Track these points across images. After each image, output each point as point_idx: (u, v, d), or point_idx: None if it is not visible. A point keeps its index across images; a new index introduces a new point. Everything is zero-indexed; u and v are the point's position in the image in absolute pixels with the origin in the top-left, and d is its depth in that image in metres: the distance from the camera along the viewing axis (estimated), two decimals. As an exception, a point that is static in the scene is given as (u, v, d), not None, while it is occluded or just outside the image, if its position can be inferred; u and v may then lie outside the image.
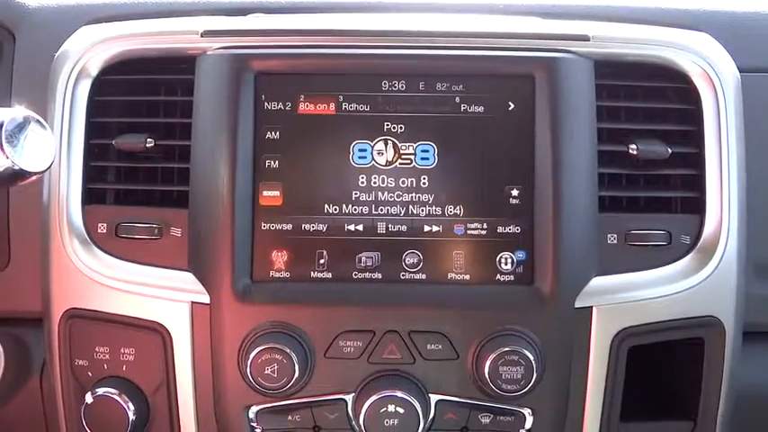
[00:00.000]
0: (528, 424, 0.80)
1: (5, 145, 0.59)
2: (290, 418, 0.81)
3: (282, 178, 0.81)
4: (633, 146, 0.83)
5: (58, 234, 0.84)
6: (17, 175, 0.61)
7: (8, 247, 0.94)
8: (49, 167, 0.64)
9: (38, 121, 0.63)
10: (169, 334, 0.82)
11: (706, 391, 0.83)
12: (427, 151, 0.82)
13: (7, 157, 0.59)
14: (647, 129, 0.85)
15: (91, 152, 0.85)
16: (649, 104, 0.85)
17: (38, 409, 0.94)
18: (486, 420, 0.81)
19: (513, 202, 0.81)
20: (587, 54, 0.82)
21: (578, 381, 0.81)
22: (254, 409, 0.81)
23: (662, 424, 0.85)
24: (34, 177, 0.63)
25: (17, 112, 0.61)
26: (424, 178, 0.81)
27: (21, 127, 0.61)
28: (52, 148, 0.64)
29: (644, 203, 0.85)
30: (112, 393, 0.81)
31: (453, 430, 0.81)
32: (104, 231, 0.84)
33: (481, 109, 0.81)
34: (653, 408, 0.87)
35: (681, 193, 0.84)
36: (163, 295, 0.81)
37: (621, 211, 0.84)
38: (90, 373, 0.83)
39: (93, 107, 0.85)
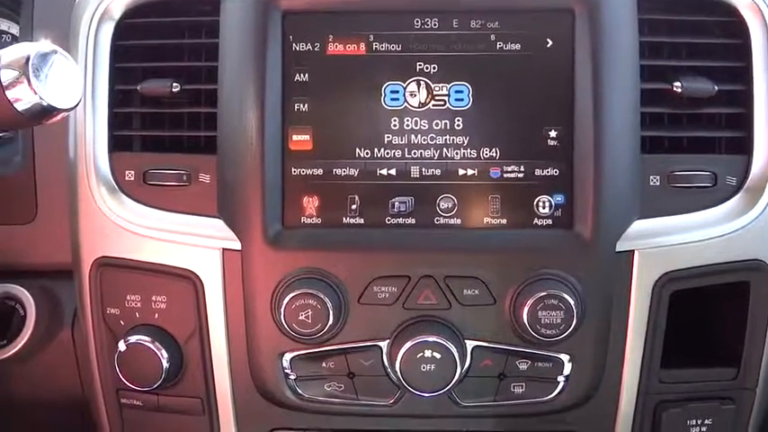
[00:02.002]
0: (566, 370, 0.79)
1: (33, 79, 0.57)
2: (324, 364, 0.80)
3: (312, 122, 0.79)
4: (677, 83, 0.79)
5: (86, 182, 0.83)
6: (45, 112, 0.59)
7: (35, 200, 0.94)
8: (78, 104, 0.62)
9: (64, 56, 0.60)
10: (200, 281, 0.81)
11: (751, 337, 0.81)
12: (461, 92, 0.79)
13: (35, 93, 0.57)
14: (692, 65, 0.81)
15: (116, 98, 0.83)
16: (694, 40, 0.81)
17: (70, 359, 0.94)
18: (523, 367, 0.79)
19: (552, 143, 0.78)
20: None
21: (619, 326, 0.79)
22: (287, 356, 0.80)
23: (704, 371, 0.83)
24: (62, 115, 0.61)
25: (43, 45, 0.59)
26: (459, 120, 0.79)
27: (47, 61, 0.59)
28: (80, 84, 0.62)
29: (687, 144, 0.81)
30: (145, 341, 0.80)
31: (490, 377, 0.79)
32: (132, 179, 0.82)
33: (518, 47, 0.78)
34: (695, 355, 0.85)
35: (727, 132, 0.81)
36: (193, 242, 0.80)
37: (664, 151, 0.80)
38: (122, 322, 0.83)
39: (117, 52, 0.83)
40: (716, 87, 0.79)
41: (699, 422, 0.83)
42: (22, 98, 0.59)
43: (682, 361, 0.83)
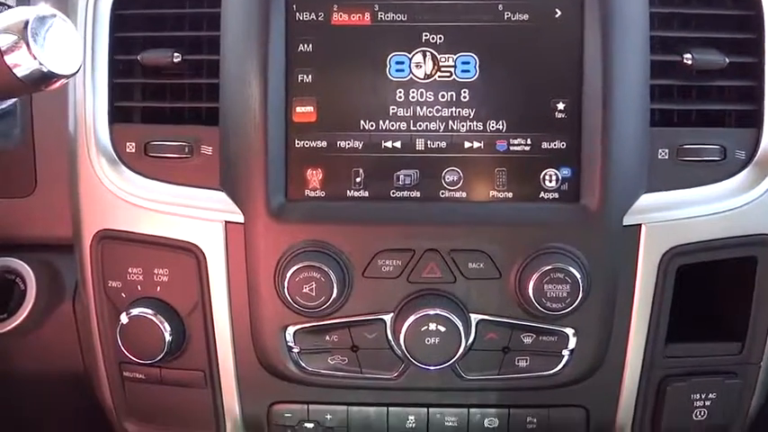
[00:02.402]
0: (571, 344, 0.79)
1: (32, 44, 0.55)
2: (327, 338, 0.80)
3: (316, 93, 0.78)
4: (688, 55, 0.78)
5: (86, 154, 0.81)
6: (45, 78, 0.58)
7: (34, 173, 0.93)
8: (78, 70, 0.61)
9: (63, 20, 0.59)
10: (203, 254, 0.80)
11: (756, 312, 0.81)
12: (468, 63, 0.77)
13: (35, 58, 0.56)
14: (702, 37, 0.79)
15: (116, 69, 0.82)
16: (705, 11, 0.80)
17: (71, 333, 0.94)
18: (528, 340, 0.79)
19: (559, 116, 0.77)
20: None
21: (624, 300, 0.79)
22: (291, 329, 0.79)
23: (709, 345, 0.83)
24: (62, 81, 0.60)
25: (42, 9, 0.57)
26: (465, 92, 0.77)
27: (46, 25, 0.57)
28: (80, 49, 0.61)
29: (696, 117, 0.80)
30: (147, 314, 0.80)
31: (494, 350, 0.79)
32: (133, 151, 0.81)
33: (525, 17, 0.77)
34: (700, 331, 0.85)
35: (737, 105, 0.80)
36: (195, 215, 0.79)
37: (673, 125, 0.79)
38: (123, 295, 0.82)
39: (117, 21, 0.81)
40: (727, 59, 0.78)
41: (702, 396, 0.82)
42: (22, 64, 0.58)
43: (687, 336, 0.83)
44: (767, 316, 0.81)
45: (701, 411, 0.83)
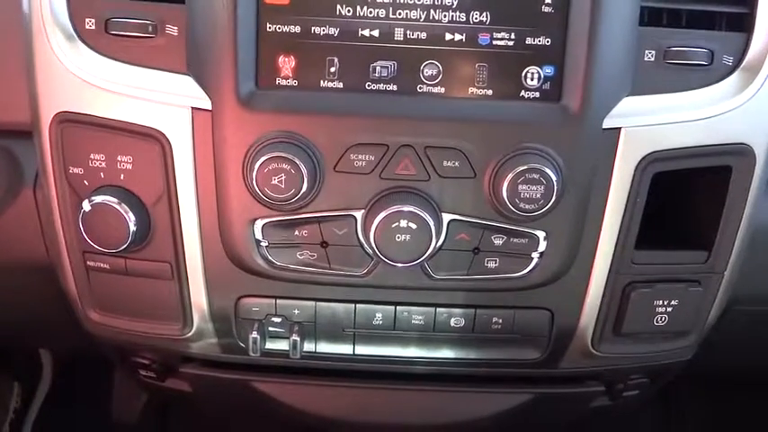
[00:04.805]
0: (541, 247, 0.78)
1: None
2: (297, 233, 0.78)
3: None
4: None
5: (42, 30, 0.76)
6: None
7: (-13, 52, 0.87)
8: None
9: None
10: (168, 142, 0.77)
11: (726, 221, 0.81)
12: (453, -53, 0.72)
13: None
14: None
15: (73, -65, 0.75)
16: None
17: (33, 222, 0.90)
18: (498, 242, 0.78)
19: (546, 10, 0.73)
20: None
21: (597, 205, 0.78)
22: (259, 222, 0.78)
23: (676, 253, 0.84)
24: None
25: None
26: None
27: None
28: None
29: (686, 19, 0.77)
30: (111, 202, 0.77)
31: (465, 251, 0.79)
32: (93, 27, 0.76)
33: None
34: (668, 240, 0.85)
35: (728, 7, 0.76)
36: (160, 99, 0.75)
37: (661, 25, 0.76)
38: (86, 182, 0.79)
39: None
40: None
41: (665, 303, 0.84)
42: None
43: (655, 244, 0.83)
44: (735, 226, 0.82)
45: (662, 317, 0.85)
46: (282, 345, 0.88)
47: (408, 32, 0.74)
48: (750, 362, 1.14)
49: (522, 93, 0.75)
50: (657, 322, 0.86)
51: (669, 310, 0.85)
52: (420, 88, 0.75)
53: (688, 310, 0.86)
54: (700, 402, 1.54)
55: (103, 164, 0.78)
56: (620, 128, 0.76)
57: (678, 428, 1.53)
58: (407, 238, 0.74)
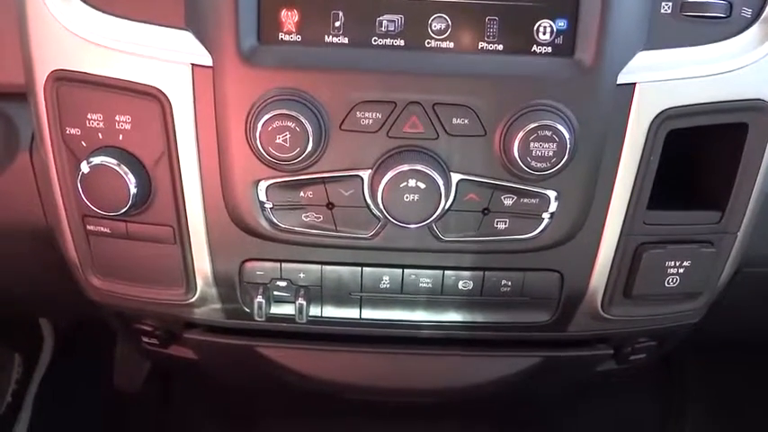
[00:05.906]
0: (552, 207, 0.77)
1: None
2: (302, 194, 0.76)
3: None
4: None
5: None
6: None
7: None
8: None
9: None
10: (168, 100, 0.74)
11: (740, 181, 0.79)
12: None
13: None
14: None
15: None
16: None
17: (30, 186, 0.88)
18: (508, 202, 0.77)
19: (559, -40, 0.71)
20: None
21: (610, 164, 0.76)
22: (263, 184, 0.76)
23: (689, 213, 0.82)
24: None
25: None
26: None
27: None
28: None
29: (704, -31, 0.75)
30: (110, 163, 0.75)
31: (474, 211, 0.77)
32: None
33: None
34: (681, 200, 0.84)
35: None
36: (159, 56, 0.73)
37: None
38: (84, 143, 0.77)
39: None
40: None
41: (677, 264, 0.82)
42: None
43: (667, 204, 0.82)
44: (750, 185, 0.80)
45: (673, 278, 0.84)
46: (288, 309, 0.86)
47: (416, -16, 0.72)
48: (755, 325, 1.14)
49: (534, 47, 0.73)
50: (669, 284, 0.84)
51: (681, 271, 0.83)
52: (428, 43, 0.73)
53: (700, 271, 0.84)
54: (701, 372, 1.54)
55: (101, 124, 0.76)
56: (634, 83, 0.73)
57: (679, 399, 1.54)
58: (415, 198, 0.72)
